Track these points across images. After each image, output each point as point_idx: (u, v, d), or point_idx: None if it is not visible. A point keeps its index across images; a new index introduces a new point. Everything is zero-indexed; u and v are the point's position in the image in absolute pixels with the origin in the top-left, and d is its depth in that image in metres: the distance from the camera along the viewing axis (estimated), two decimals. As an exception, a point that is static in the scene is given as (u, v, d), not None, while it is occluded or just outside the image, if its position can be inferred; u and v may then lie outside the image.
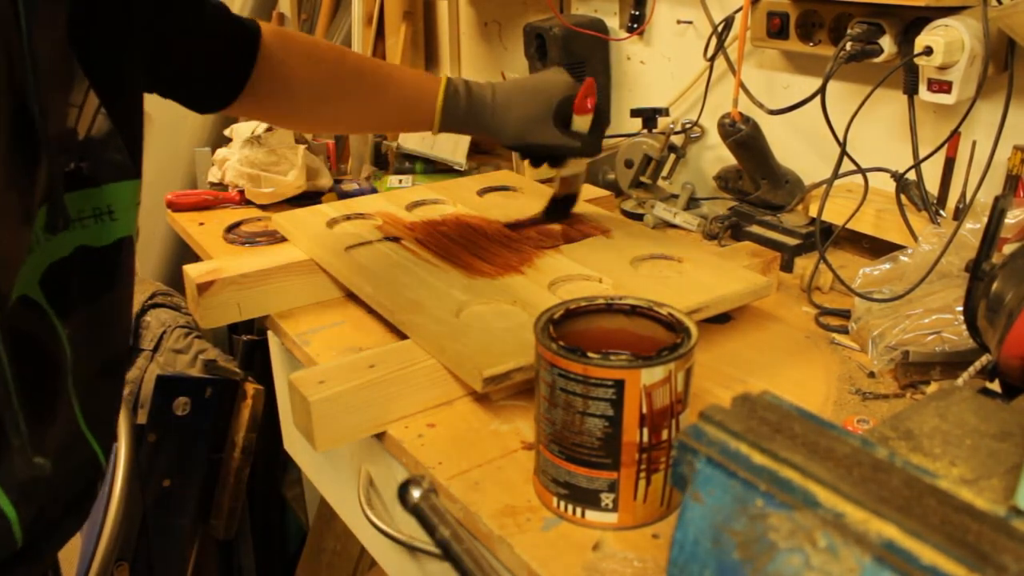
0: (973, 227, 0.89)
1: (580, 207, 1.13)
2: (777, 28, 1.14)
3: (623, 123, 1.52)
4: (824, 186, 1.06)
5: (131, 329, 0.72)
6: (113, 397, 0.70)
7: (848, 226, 1.07)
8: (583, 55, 1.47)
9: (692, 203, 1.32)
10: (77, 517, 0.68)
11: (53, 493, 0.63)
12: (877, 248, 1.10)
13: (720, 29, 1.25)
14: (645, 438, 0.62)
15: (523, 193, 1.20)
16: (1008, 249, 0.72)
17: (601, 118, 0.99)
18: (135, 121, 0.66)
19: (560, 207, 1.09)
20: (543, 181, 1.26)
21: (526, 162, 1.18)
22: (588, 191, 1.26)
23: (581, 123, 0.97)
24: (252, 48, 0.83)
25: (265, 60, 0.84)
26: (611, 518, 0.64)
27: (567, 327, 0.68)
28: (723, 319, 0.96)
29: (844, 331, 0.94)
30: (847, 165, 1.05)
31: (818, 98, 1.02)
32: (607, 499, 0.64)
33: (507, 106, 0.95)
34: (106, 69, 0.61)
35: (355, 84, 0.91)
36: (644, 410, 0.61)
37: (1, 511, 0.58)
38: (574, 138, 0.97)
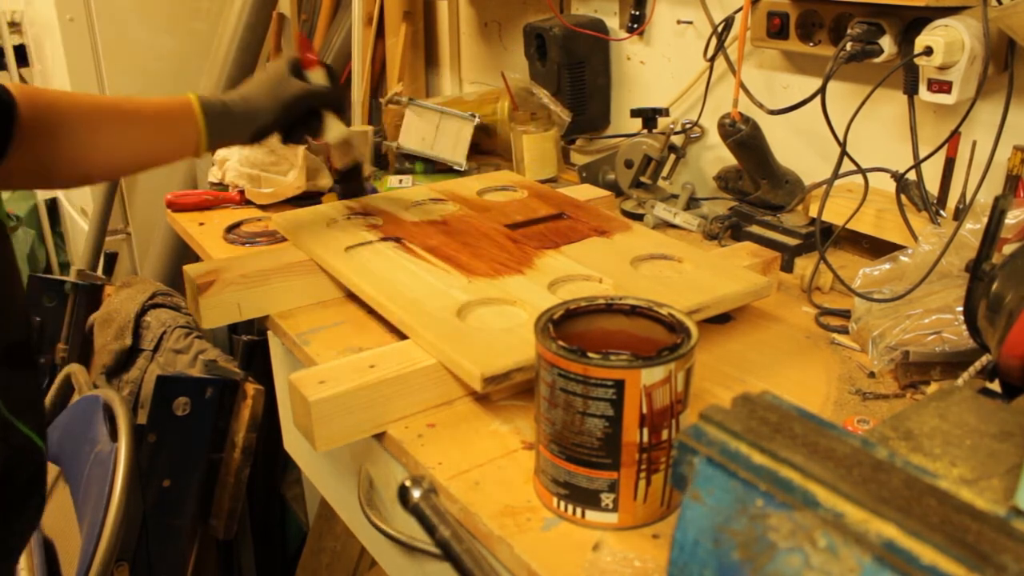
0: (973, 227, 0.89)
1: (580, 207, 1.13)
2: (777, 28, 1.14)
3: (623, 123, 1.53)
4: (824, 186, 1.06)
5: (25, 315, 0.73)
6: (27, 383, 0.72)
7: (848, 226, 1.07)
8: (583, 55, 1.47)
9: (692, 203, 1.31)
10: (33, 503, 0.70)
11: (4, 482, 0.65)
12: (877, 248, 1.10)
13: (720, 29, 1.25)
14: (645, 438, 0.62)
15: (523, 193, 1.20)
16: (1008, 249, 0.72)
17: (332, 72, 1.05)
18: None
19: (347, 178, 1.15)
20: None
21: (301, 149, 1.25)
22: (588, 191, 1.26)
23: (317, 77, 1.03)
24: (7, 117, 0.80)
25: (21, 125, 0.81)
26: (611, 518, 0.64)
27: (567, 327, 0.68)
28: (723, 319, 0.96)
29: (844, 331, 0.94)
30: (847, 165, 1.05)
31: (818, 98, 1.02)
32: (607, 499, 0.64)
33: (252, 87, 0.99)
34: None
35: (110, 120, 0.90)
36: (644, 410, 0.61)
37: None
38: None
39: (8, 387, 0.67)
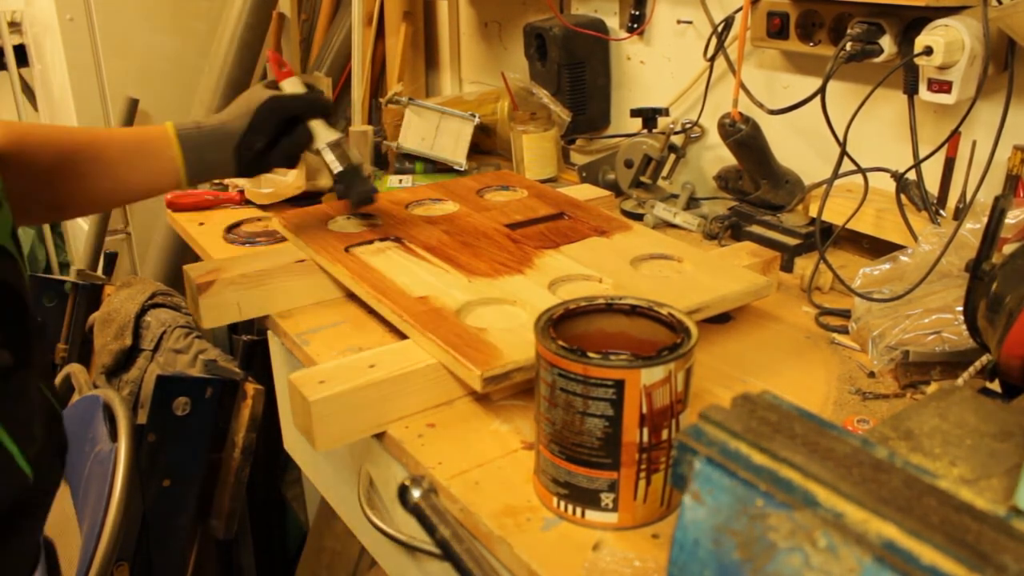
0: (973, 227, 0.89)
1: (580, 207, 1.13)
2: (777, 28, 1.14)
3: (623, 123, 1.52)
4: (824, 186, 1.06)
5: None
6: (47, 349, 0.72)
7: (848, 226, 1.07)
8: (583, 55, 1.47)
9: (692, 203, 1.31)
10: (60, 470, 0.71)
11: (43, 439, 0.66)
12: (877, 248, 1.10)
13: (720, 29, 1.25)
14: (645, 438, 0.62)
15: (523, 193, 1.20)
16: (1008, 249, 0.72)
17: (310, 83, 1.00)
18: None
19: (346, 183, 1.03)
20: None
21: (293, 172, 1.15)
22: (588, 191, 1.26)
23: (290, 86, 0.98)
24: None
25: None
26: (611, 518, 0.64)
27: (567, 327, 0.68)
28: (723, 319, 0.95)
29: (844, 331, 0.94)
30: (847, 165, 1.05)
31: (818, 98, 1.02)
32: (607, 499, 0.64)
33: (229, 109, 0.95)
34: None
35: (80, 155, 0.86)
36: (644, 410, 0.61)
37: (5, 449, 0.60)
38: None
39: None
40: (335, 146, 1.01)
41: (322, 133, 0.99)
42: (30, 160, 0.83)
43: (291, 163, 0.99)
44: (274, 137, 0.95)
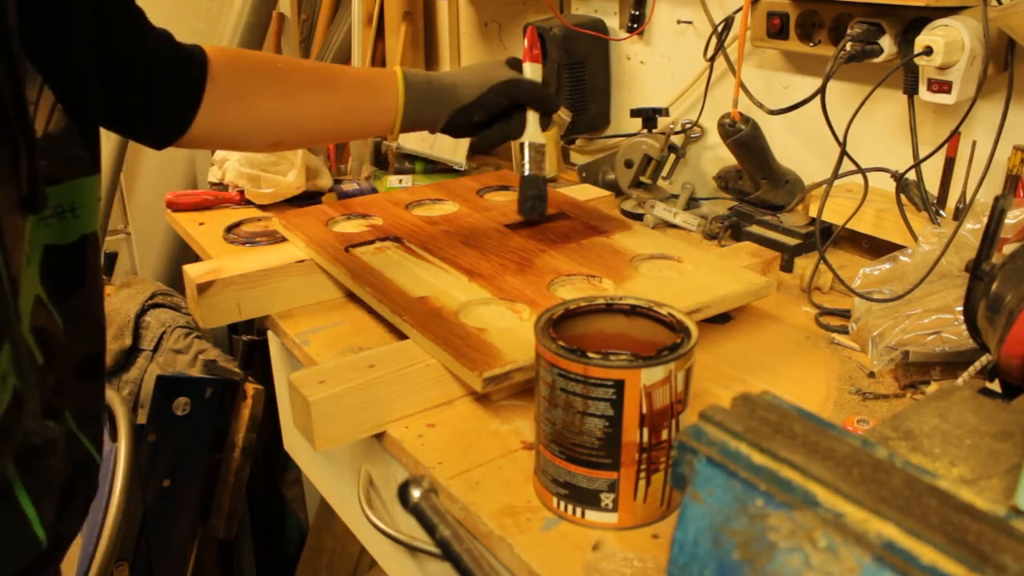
0: (973, 227, 0.89)
1: (580, 207, 1.13)
2: (777, 28, 1.14)
3: (623, 123, 1.52)
4: (824, 186, 1.06)
5: (105, 327, 0.71)
6: (96, 397, 0.70)
7: (848, 226, 1.07)
8: (583, 55, 1.47)
9: (692, 203, 1.31)
10: (82, 518, 0.69)
11: (67, 496, 0.64)
12: (877, 248, 1.10)
13: (720, 29, 1.25)
14: (645, 438, 0.62)
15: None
16: (1008, 249, 0.72)
17: (546, 79, 1.00)
18: (92, 116, 0.65)
19: (530, 193, 1.02)
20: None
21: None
22: (588, 191, 1.26)
23: (532, 72, 0.97)
24: (200, 73, 0.82)
25: (215, 83, 0.82)
26: (611, 518, 0.64)
27: (567, 327, 0.68)
28: (723, 319, 0.96)
29: (844, 331, 0.94)
30: (847, 165, 1.05)
31: (818, 98, 1.02)
32: (607, 499, 0.64)
33: (462, 69, 0.97)
34: (56, 64, 0.60)
35: (308, 85, 0.89)
36: (644, 410, 0.61)
37: (24, 515, 0.58)
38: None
39: (78, 399, 0.65)
40: (537, 149, 1.00)
41: (533, 130, 0.98)
42: (247, 91, 0.84)
43: (492, 147, 1.00)
44: (494, 116, 0.95)
